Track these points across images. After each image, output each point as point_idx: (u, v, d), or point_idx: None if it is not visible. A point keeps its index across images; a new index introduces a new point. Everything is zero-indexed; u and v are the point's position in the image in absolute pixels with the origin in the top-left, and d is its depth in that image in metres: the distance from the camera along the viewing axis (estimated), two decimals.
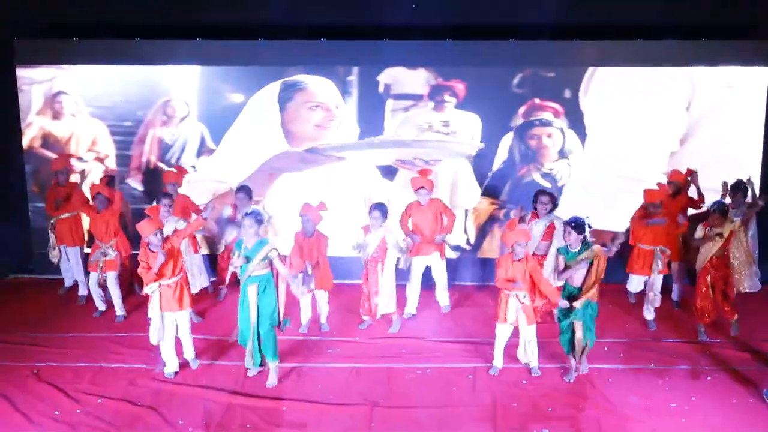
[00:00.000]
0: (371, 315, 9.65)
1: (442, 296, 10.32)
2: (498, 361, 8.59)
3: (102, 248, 9.94)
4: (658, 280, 9.71)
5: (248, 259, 8.12)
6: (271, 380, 8.37)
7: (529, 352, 8.51)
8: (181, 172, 10.76)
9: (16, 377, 8.50)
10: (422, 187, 9.76)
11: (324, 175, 11.31)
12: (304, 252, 9.29)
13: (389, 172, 11.34)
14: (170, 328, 8.40)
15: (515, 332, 8.49)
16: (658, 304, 9.76)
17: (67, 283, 11.01)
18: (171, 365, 8.56)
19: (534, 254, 9.39)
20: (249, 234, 8.18)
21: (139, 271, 8.28)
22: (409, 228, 9.94)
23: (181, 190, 10.56)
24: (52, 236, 10.58)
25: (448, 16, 10.83)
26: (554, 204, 9.59)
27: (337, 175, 11.28)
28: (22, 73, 11.15)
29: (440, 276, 10.21)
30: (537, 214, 9.57)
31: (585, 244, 8.05)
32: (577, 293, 8.08)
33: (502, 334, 8.48)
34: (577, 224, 8.01)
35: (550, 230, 9.52)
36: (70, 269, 10.86)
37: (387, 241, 9.36)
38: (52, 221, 10.55)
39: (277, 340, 8.41)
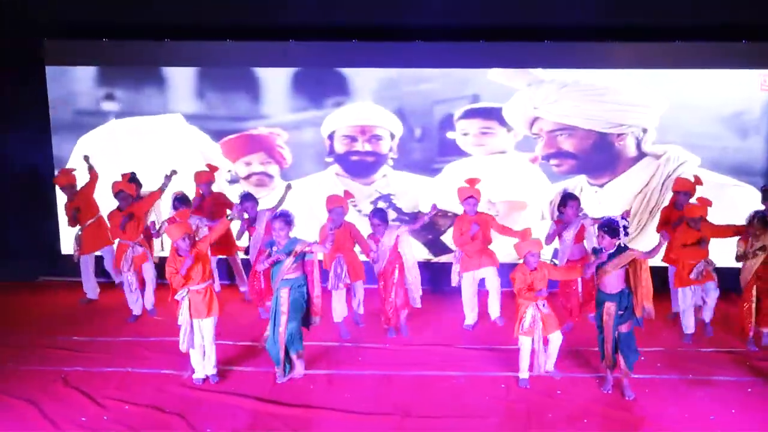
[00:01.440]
0: (391, 324, 9.53)
1: (494, 308, 9.91)
2: (524, 372, 8.38)
3: (130, 246, 9.85)
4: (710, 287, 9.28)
5: (281, 261, 8.07)
6: (299, 370, 8.36)
7: (547, 357, 8.30)
8: (213, 170, 10.57)
9: (43, 382, 8.43)
10: (471, 197, 9.48)
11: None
12: (336, 245, 9.10)
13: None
14: (199, 334, 8.30)
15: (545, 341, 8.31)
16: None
17: (90, 295, 10.84)
18: (200, 371, 8.46)
19: (568, 260, 9.23)
20: (280, 236, 8.11)
21: (167, 276, 8.18)
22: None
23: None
24: (76, 246, 10.49)
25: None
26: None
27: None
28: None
29: (494, 287, 9.81)
30: (562, 220, 9.33)
31: (620, 248, 7.83)
32: (612, 301, 7.87)
33: (525, 346, 8.27)
34: (610, 228, 7.78)
35: (580, 233, 9.31)
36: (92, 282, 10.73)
37: (402, 241, 9.27)
38: (77, 233, 10.46)
39: (302, 334, 8.36)
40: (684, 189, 9.60)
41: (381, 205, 10.94)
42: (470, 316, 9.90)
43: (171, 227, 8.13)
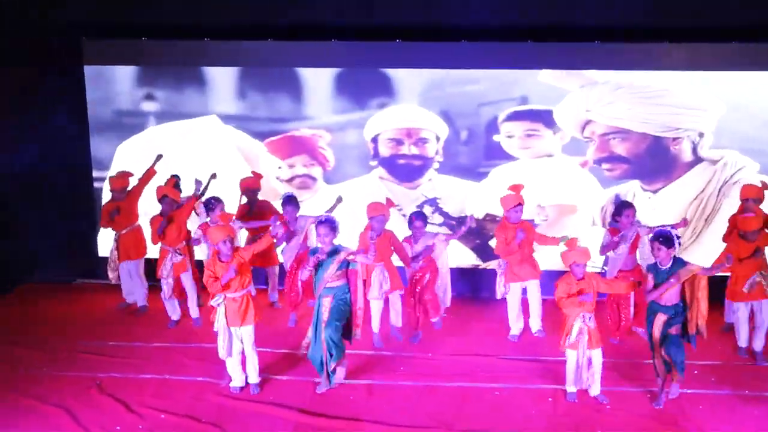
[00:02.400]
0: (418, 329, 9.36)
1: (535, 321, 9.61)
2: (571, 386, 8.05)
3: (170, 252, 9.64)
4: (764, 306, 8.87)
5: (323, 266, 7.94)
6: (338, 376, 8.22)
7: (589, 375, 7.97)
8: (258, 177, 10.31)
9: (77, 388, 8.29)
10: (519, 204, 9.16)
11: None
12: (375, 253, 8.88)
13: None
14: (238, 342, 8.09)
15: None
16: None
17: (129, 300, 10.61)
18: (237, 380, 8.25)
19: (620, 270, 8.91)
20: (325, 242, 7.95)
21: (205, 279, 7.99)
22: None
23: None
24: (114, 253, 10.27)
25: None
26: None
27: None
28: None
29: (535, 299, 9.49)
30: (618, 229, 9.00)
31: (677, 261, 7.51)
32: (666, 313, 7.56)
33: (573, 358, 7.96)
34: (665, 238, 7.48)
35: (634, 242, 8.96)
36: (132, 287, 10.47)
37: (438, 250, 9.10)
38: (115, 236, 10.24)
39: (343, 344, 8.15)
40: (753, 196, 9.19)
41: (427, 209, 10.66)
42: (516, 327, 9.59)
43: (213, 229, 7.99)
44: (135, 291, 10.46)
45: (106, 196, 10.62)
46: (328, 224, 7.97)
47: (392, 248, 9.14)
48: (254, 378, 8.25)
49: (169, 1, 10.66)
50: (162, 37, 10.78)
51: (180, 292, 9.87)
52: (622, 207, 9.02)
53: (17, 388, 8.31)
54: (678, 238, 7.54)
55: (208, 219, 9.49)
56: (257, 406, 7.94)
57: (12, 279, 11.27)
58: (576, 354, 7.85)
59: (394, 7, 10.39)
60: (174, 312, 9.95)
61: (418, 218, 9.18)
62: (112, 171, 10.80)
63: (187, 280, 9.81)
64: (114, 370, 8.68)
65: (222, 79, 10.94)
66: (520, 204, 9.14)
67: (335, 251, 7.97)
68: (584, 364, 7.89)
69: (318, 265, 8.00)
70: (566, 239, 8.10)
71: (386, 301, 9.34)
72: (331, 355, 8.04)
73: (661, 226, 8.38)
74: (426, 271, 9.17)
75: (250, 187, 10.13)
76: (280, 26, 10.58)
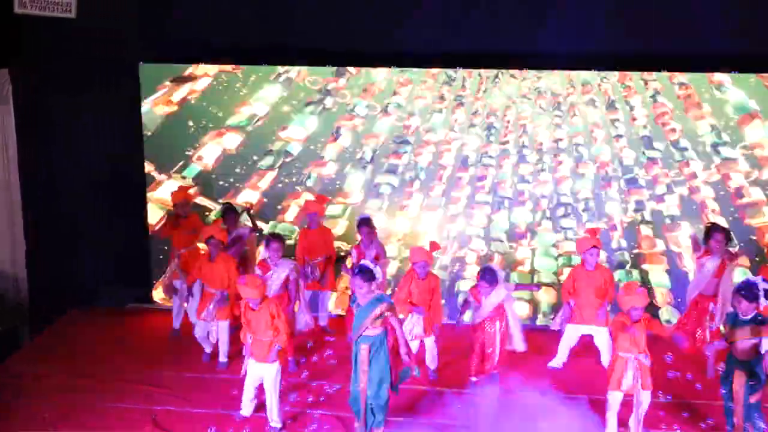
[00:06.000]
0: (484, 374, 8.98)
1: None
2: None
3: (216, 296, 9.28)
4: None
5: (359, 316, 7.74)
6: None
7: (638, 419, 7.83)
8: (322, 200, 10.18)
9: (133, 421, 8.27)
10: (594, 247, 9.03)
11: None
12: (415, 296, 8.80)
13: None
14: (253, 371, 8.10)
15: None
16: None
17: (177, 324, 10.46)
18: (244, 409, 8.32)
19: (700, 294, 8.97)
20: (361, 293, 7.70)
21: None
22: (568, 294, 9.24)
23: None
24: (179, 271, 10.08)
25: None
26: (729, 240, 9.04)
27: None
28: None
29: (604, 347, 9.24)
30: (710, 251, 8.94)
31: (758, 317, 7.35)
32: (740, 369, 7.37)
33: (615, 402, 7.87)
34: (749, 291, 7.33)
35: (721, 267, 8.90)
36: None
37: (506, 309, 8.78)
38: (178, 253, 10.13)
39: (388, 404, 7.90)
40: None
41: None
42: (559, 360, 9.46)
43: (243, 286, 7.87)
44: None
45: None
46: (362, 275, 7.65)
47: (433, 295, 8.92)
48: (275, 420, 8.18)
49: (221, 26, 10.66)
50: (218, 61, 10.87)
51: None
52: (714, 230, 8.99)
53: (70, 418, 8.32)
54: (766, 292, 7.36)
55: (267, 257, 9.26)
56: None
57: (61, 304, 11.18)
58: (620, 395, 7.79)
59: None
60: (207, 345, 9.61)
61: (483, 278, 8.64)
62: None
63: (224, 332, 9.43)
64: (170, 404, 8.63)
65: None
66: (595, 247, 9.03)
67: (376, 302, 7.68)
68: (641, 405, 7.78)
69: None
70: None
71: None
72: (374, 416, 7.88)
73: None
74: (495, 320, 8.79)
75: (311, 211, 10.01)
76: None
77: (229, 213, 10.09)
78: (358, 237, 9.81)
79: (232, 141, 11.04)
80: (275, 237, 9.29)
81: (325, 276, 10.09)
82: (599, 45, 10.20)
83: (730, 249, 9.14)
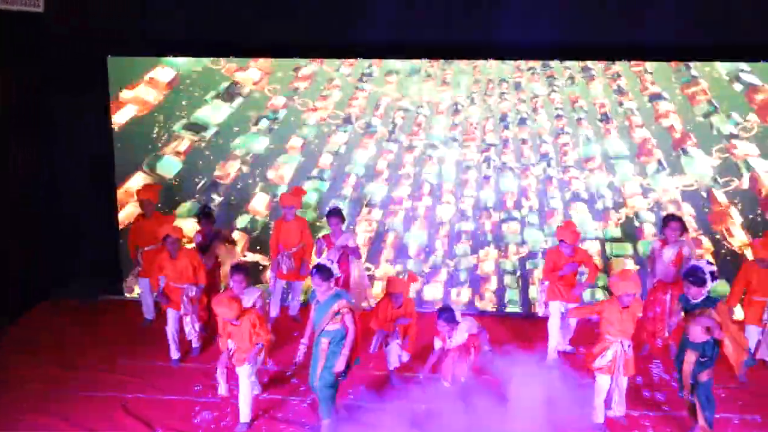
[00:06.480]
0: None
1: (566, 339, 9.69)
2: (600, 417, 8.09)
3: (186, 290, 9.30)
4: None
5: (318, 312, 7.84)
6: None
7: (620, 402, 8.12)
8: (298, 193, 10.25)
9: (104, 409, 8.35)
10: (562, 241, 9.22)
11: None
12: (388, 322, 8.71)
13: None
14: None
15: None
16: None
17: (149, 317, 10.61)
18: (222, 388, 8.38)
19: (659, 281, 9.16)
20: (320, 290, 7.77)
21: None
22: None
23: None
24: (137, 268, 10.38)
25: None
26: (684, 229, 9.19)
27: None
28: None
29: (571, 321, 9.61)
30: (666, 241, 9.14)
31: (707, 299, 7.53)
32: (693, 349, 7.58)
33: (605, 385, 8.02)
34: (695, 277, 7.49)
35: (679, 257, 9.06)
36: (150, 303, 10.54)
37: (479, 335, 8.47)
38: (140, 251, 10.23)
39: (334, 397, 7.96)
40: None
41: None
42: (559, 345, 9.55)
43: (219, 307, 7.84)
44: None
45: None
46: (319, 273, 7.70)
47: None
48: (244, 415, 8.17)
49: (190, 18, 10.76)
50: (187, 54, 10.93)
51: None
52: (669, 219, 9.17)
53: (41, 409, 8.37)
54: (712, 274, 7.50)
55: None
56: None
57: (32, 296, 11.23)
58: (608, 380, 7.94)
59: None
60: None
61: (440, 317, 8.20)
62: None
63: (196, 321, 9.51)
64: (140, 391, 8.73)
65: None
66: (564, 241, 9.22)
67: (333, 298, 7.77)
68: (621, 390, 8.04)
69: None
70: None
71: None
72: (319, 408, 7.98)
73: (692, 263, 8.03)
74: (468, 351, 8.39)
75: (287, 205, 10.10)
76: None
77: (205, 216, 10.10)
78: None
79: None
80: (238, 269, 8.81)
81: (303, 266, 10.21)
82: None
83: (687, 237, 9.30)
